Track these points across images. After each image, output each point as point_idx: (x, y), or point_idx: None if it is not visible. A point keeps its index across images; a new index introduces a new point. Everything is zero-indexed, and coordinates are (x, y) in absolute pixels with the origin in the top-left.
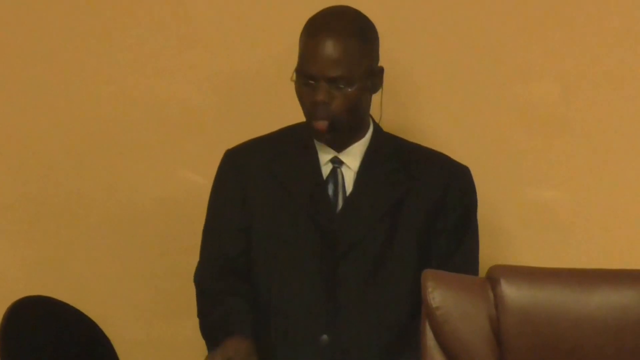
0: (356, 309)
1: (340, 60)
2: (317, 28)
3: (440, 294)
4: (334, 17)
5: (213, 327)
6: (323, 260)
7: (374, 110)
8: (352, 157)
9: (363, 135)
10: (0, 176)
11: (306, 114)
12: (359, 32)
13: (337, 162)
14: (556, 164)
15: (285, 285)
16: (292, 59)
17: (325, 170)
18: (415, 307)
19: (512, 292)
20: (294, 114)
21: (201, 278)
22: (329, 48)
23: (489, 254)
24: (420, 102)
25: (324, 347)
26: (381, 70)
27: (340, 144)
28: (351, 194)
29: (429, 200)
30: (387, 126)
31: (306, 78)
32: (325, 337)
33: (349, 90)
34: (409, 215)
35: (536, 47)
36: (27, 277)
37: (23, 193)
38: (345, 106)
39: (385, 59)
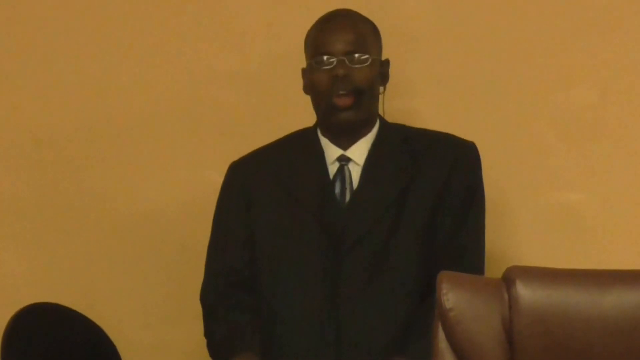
0: (361, 303)
1: (357, 38)
2: (329, 17)
3: (454, 295)
4: (342, 10)
5: (219, 346)
6: (328, 258)
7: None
8: (359, 153)
9: (370, 130)
10: (12, 180)
11: (325, 96)
12: (369, 23)
13: (344, 160)
14: (589, 169)
15: (290, 286)
16: None
17: (332, 169)
18: (420, 294)
19: (527, 293)
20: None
21: (206, 295)
22: (346, 27)
23: (512, 254)
24: (455, 106)
25: (331, 345)
26: (387, 63)
27: (347, 140)
28: (357, 189)
29: (435, 181)
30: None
31: (324, 56)
32: (332, 336)
33: (368, 68)
34: (415, 201)
35: (575, 53)
36: (34, 283)
37: (33, 197)
38: (367, 81)
39: (419, 64)
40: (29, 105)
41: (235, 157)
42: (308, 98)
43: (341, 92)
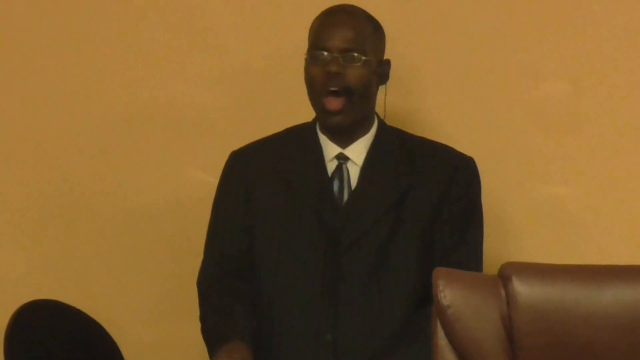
0: (359, 304)
1: (355, 35)
2: (332, 11)
3: (451, 292)
4: (347, 6)
5: (210, 332)
6: (327, 256)
7: (378, 108)
8: (357, 153)
9: (368, 131)
10: (9, 178)
11: (317, 92)
12: (370, 20)
13: (342, 159)
14: (568, 161)
15: (288, 283)
16: (302, 58)
17: (331, 167)
18: (419, 299)
19: (524, 289)
20: (305, 113)
21: (202, 280)
22: (345, 24)
23: (501, 251)
24: (432, 101)
25: (328, 345)
26: (388, 63)
27: (345, 138)
28: (355, 189)
29: (434, 191)
30: (403, 127)
31: (320, 51)
32: (329, 336)
33: (363, 67)
34: (414, 208)
35: (548, 46)
36: (34, 280)
37: (31, 196)
38: (360, 80)
39: (397, 58)
40: (21, 107)
41: (220, 155)
42: (293, 97)
43: (332, 89)
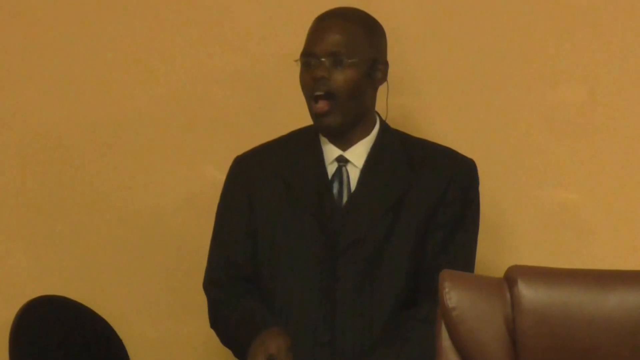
0: (355, 305)
1: (342, 39)
2: (324, 15)
3: (456, 294)
4: (341, 9)
5: (238, 329)
6: (324, 258)
7: (381, 110)
8: (358, 155)
9: (368, 133)
10: (21, 174)
11: (307, 96)
12: (364, 22)
13: (342, 161)
14: (579, 166)
15: (287, 286)
16: None
17: (331, 169)
18: (407, 300)
19: (529, 292)
20: None
21: (210, 287)
22: (333, 28)
23: (509, 254)
24: (445, 105)
25: (325, 346)
26: (385, 65)
27: (345, 141)
28: (354, 191)
29: (432, 194)
30: (413, 130)
31: (309, 57)
32: (326, 337)
33: (350, 69)
34: (411, 210)
35: (563, 50)
36: (41, 276)
37: (42, 191)
38: (345, 83)
39: (410, 62)
40: (34, 103)
41: (234, 153)
42: (303, 96)
43: (317, 94)
